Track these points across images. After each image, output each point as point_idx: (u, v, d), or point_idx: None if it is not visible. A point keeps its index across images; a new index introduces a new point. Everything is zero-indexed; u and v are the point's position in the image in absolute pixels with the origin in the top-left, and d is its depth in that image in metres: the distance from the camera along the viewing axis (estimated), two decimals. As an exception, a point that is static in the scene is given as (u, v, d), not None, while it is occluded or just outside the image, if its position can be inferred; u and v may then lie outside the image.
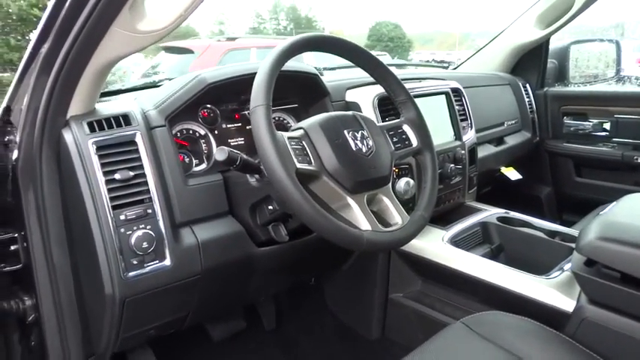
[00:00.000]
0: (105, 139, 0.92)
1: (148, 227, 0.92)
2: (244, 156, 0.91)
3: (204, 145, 1.12)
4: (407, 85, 1.09)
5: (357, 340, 1.49)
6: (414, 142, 1.05)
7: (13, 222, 1.02)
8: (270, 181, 0.95)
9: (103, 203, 0.88)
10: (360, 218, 0.87)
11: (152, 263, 0.92)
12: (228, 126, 1.17)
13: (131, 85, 1.40)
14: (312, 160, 0.87)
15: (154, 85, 1.36)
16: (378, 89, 1.35)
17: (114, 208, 0.89)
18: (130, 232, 0.90)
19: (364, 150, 0.92)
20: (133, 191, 0.92)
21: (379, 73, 1.05)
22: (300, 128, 0.91)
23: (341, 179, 0.88)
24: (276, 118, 1.26)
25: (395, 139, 1.02)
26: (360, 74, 1.47)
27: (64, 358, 1.02)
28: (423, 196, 1.00)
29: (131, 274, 0.90)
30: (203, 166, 1.11)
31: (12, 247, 1.01)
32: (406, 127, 1.06)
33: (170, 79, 1.22)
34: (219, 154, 0.87)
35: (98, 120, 0.93)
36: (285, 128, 1.26)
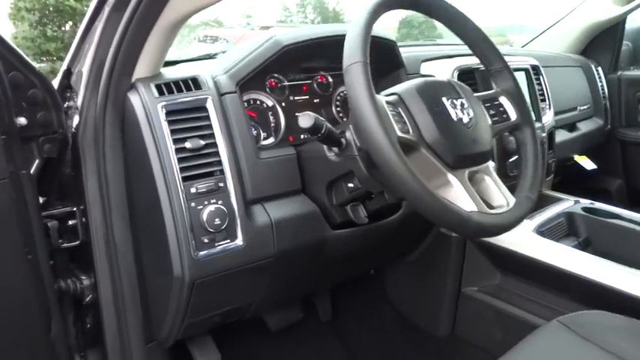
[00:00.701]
0: (175, 104, 0.83)
1: (219, 202, 0.83)
2: (328, 124, 0.81)
3: (271, 117, 1.02)
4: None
5: (421, 335, 1.38)
6: (513, 115, 0.93)
7: (71, 195, 0.94)
8: (352, 156, 0.85)
9: (173, 174, 0.79)
10: (463, 198, 0.76)
11: (223, 242, 0.83)
12: (296, 98, 1.07)
13: (187, 56, 1.31)
14: (410, 129, 0.76)
15: (209, 57, 1.26)
16: (457, 62, 1.23)
17: (184, 179, 0.80)
18: (201, 206, 0.81)
19: (465, 120, 0.81)
20: (204, 162, 0.83)
21: (473, 36, 0.93)
22: (394, 94, 0.80)
23: (441, 152, 0.76)
24: (345, 92, 1.15)
25: (492, 112, 0.90)
26: (434, 48, 1.35)
27: (121, 343, 0.94)
28: (525, 175, 0.88)
29: (202, 253, 0.81)
30: (271, 139, 1.01)
31: (70, 222, 0.94)
32: (503, 99, 0.93)
33: (225, 52, 1.12)
34: (305, 120, 0.77)
35: (167, 83, 0.84)
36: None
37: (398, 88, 0.81)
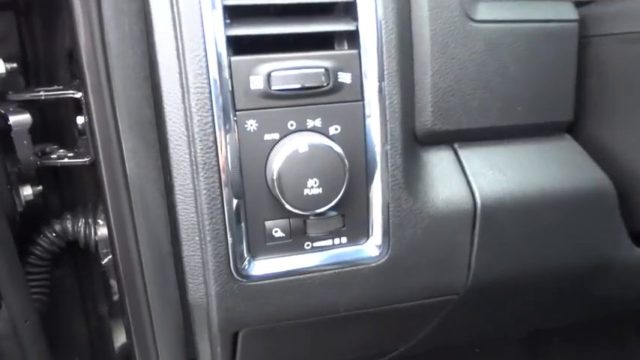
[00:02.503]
0: None
1: (332, 129, 0.28)
2: None
3: None
4: None
5: None
6: None
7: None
8: None
9: (197, 22, 0.26)
10: None
11: (327, 244, 0.29)
12: None
13: None
14: None
15: None
16: None
17: (235, 48, 0.27)
18: (275, 136, 0.27)
19: None
20: (300, 1, 0.28)
21: None
22: None
23: None
24: None
25: None
26: None
27: (143, 343, 0.50)
28: None
29: (261, 266, 0.30)
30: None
31: (79, 121, 0.49)
32: None
33: None
34: None
35: None
36: None
37: None
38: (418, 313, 0.35)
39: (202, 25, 0.26)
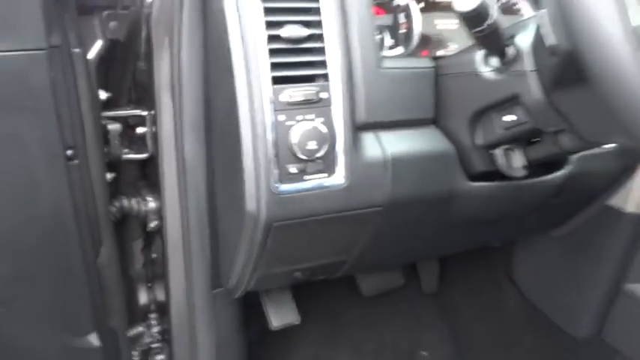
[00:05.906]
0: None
1: (317, 119, 0.59)
2: (496, 14, 0.53)
3: (403, 20, 0.75)
4: None
5: (551, 330, 1.08)
6: None
7: (144, 98, 0.77)
8: (522, 71, 0.57)
9: (258, 71, 0.57)
10: None
11: (317, 176, 0.60)
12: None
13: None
14: None
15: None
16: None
17: (275, 81, 0.57)
18: (292, 122, 0.58)
19: None
20: (304, 60, 0.59)
21: None
22: None
23: None
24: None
25: None
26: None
27: (186, 282, 0.77)
28: None
29: (285, 187, 0.59)
30: (399, 50, 0.74)
31: (139, 130, 0.77)
32: None
33: None
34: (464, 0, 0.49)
35: None
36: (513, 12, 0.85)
37: None
38: (362, 220, 0.66)
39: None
